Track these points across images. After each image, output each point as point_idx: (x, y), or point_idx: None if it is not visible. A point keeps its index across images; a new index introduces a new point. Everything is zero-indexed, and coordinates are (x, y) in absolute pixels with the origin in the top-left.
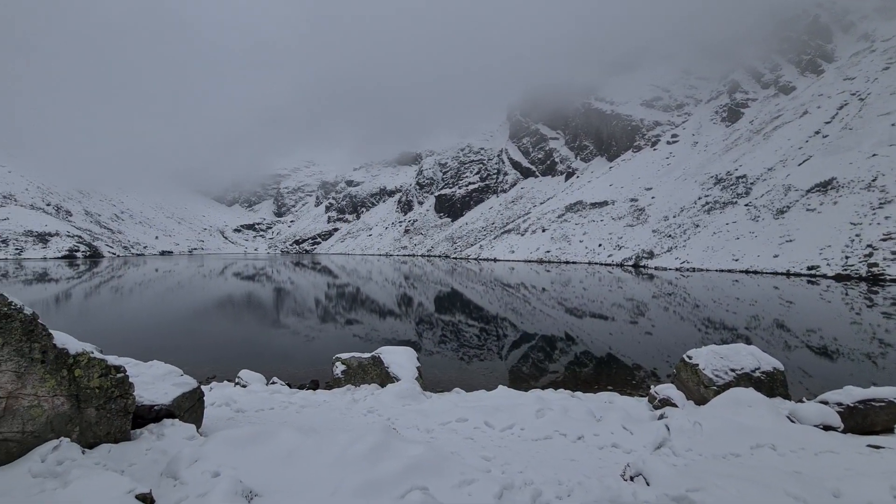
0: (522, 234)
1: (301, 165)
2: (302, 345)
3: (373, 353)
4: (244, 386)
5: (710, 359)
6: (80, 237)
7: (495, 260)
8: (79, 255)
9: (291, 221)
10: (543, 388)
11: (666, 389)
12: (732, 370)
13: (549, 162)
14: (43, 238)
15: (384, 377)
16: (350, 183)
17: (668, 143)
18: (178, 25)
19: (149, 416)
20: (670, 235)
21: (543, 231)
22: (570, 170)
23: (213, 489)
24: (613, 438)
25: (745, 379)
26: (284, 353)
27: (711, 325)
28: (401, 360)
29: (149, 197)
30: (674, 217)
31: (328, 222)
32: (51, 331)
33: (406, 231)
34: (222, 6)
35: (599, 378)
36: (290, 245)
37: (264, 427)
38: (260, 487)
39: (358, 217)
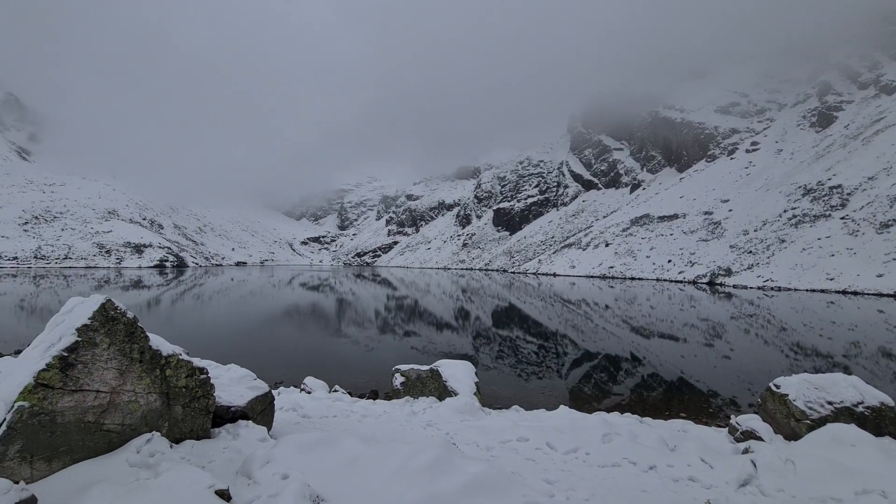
0: (584, 249)
1: (363, 181)
2: (362, 354)
3: (431, 366)
4: (309, 392)
5: (801, 389)
6: (169, 248)
7: (555, 275)
8: (167, 264)
9: (353, 234)
10: (608, 410)
11: (749, 420)
12: (829, 403)
13: (612, 174)
14: (139, 249)
15: (442, 391)
16: (410, 197)
17: (748, 151)
18: (254, 54)
19: (226, 416)
20: (751, 251)
21: (607, 245)
22: (636, 182)
23: (284, 491)
24: (690, 471)
25: (844, 414)
26: (345, 361)
27: (801, 351)
28: (459, 374)
29: (227, 212)
30: (755, 231)
31: (388, 235)
32: (147, 333)
33: (464, 245)
34: (294, 34)
35: (670, 404)
36: (352, 257)
37: (329, 434)
38: (325, 492)
39: (417, 230)
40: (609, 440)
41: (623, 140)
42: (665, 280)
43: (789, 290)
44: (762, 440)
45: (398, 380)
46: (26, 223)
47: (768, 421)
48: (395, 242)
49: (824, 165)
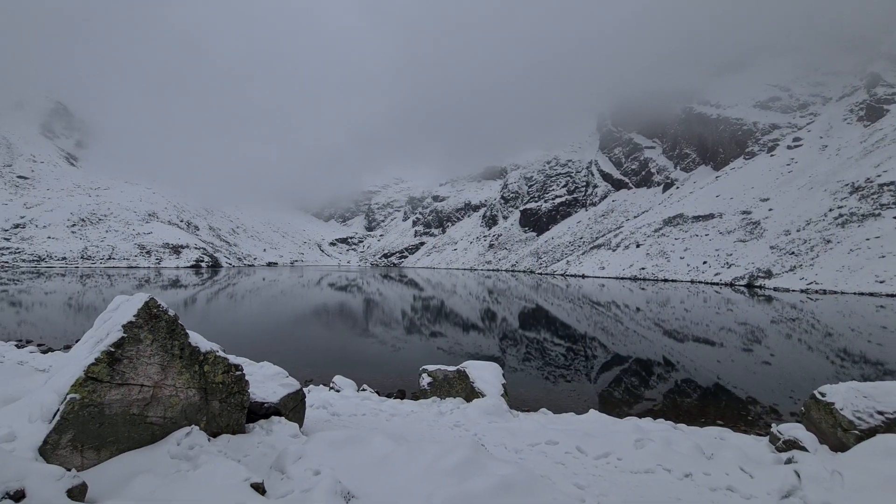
0: (614, 250)
1: (390, 182)
2: (389, 354)
3: (458, 367)
4: (338, 391)
5: (849, 397)
6: (204, 249)
7: (583, 276)
8: (203, 265)
9: (381, 235)
10: (640, 416)
11: (792, 429)
12: (880, 413)
13: (644, 173)
14: (176, 250)
15: (469, 392)
16: (436, 198)
17: (789, 147)
18: (282, 60)
19: (259, 412)
20: (793, 252)
21: (638, 246)
22: (669, 180)
23: (316, 486)
24: (728, 480)
25: None
26: (373, 361)
27: (849, 357)
28: (486, 375)
29: (259, 213)
30: (797, 231)
31: (415, 236)
32: (186, 330)
33: (490, 246)
34: (321, 40)
35: (706, 410)
36: (379, 258)
37: (358, 432)
38: (356, 489)
39: (443, 231)
40: (642, 446)
41: (655, 138)
42: (700, 282)
43: (835, 293)
44: (806, 450)
45: (425, 380)
46: (74, 225)
47: (812, 430)
48: (422, 243)
49: (873, 161)
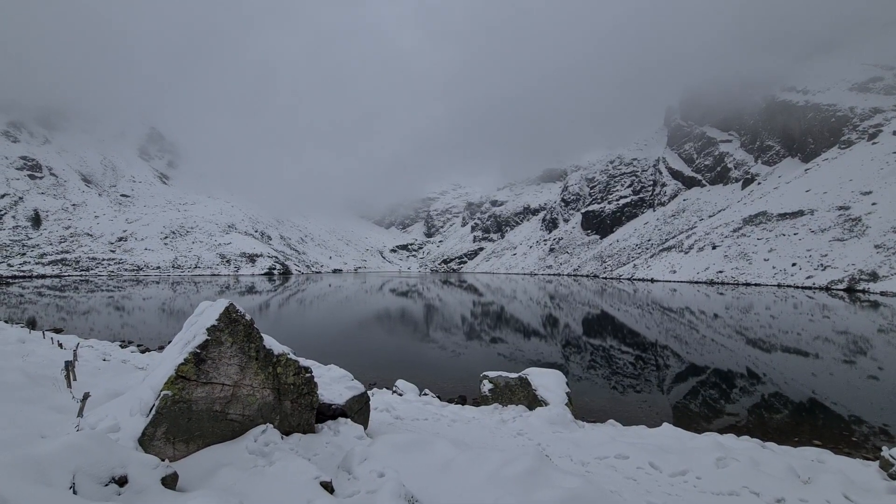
0: (686, 252)
1: (448, 188)
2: (449, 359)
3: (520, 374)
4: (400, 395)
5: None
6: (276, 258)
7: (652, 280)
8: (275, 272)
9: (440, 241)
10: (720, 432)
11: None
12: None
13: (719, 168)
14: (252, 258)
15: (531, 399)
16: (494, 203)
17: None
18: (349, 78)
19: (327, 413)
20: None
21: (714, 248)
22: (749, 176)
23: (381, 489)
24: None
25: None
26: (434, 366)
27: None
28: (549, 383)
29: (324, 222)
30: None
31: (473, 242)
32: (261, 334)
33: (551, 250)
34: (384, 52)
35: (799, 429)
36: (439, 264)
37: (421, 436)
38: (419, 493)
39: (502, 236)
40: (724, 465)
41: (731, 130)
42: (788, 286)
43: None
44: None
45: (486, 386)
46: (166, 238)
47: None
48: (481, 248)
49: None
